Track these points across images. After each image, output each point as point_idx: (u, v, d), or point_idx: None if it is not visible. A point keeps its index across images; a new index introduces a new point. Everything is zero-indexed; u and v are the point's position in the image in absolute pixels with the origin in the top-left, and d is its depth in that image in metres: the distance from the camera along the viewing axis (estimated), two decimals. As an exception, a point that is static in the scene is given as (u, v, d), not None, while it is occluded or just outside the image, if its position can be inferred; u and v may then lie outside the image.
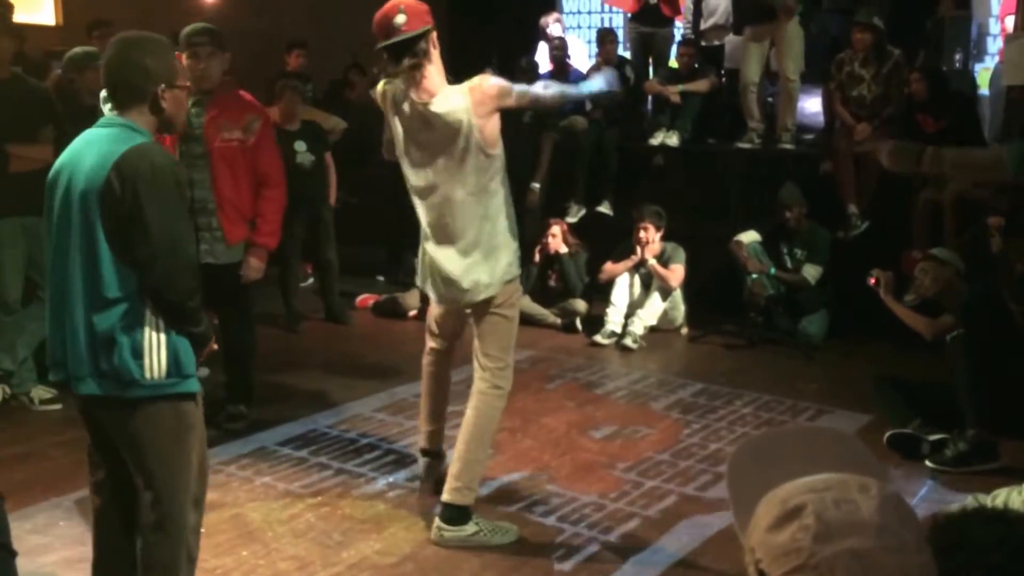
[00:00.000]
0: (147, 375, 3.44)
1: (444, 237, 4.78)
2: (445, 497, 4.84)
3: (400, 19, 4.49)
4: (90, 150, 3.44)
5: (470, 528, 4.83)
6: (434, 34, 4.60)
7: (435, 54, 4.61)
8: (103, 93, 3.99)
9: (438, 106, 4.59)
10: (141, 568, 3.67)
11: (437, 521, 4.85)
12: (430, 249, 4.85)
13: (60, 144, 4.87)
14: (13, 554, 4.06)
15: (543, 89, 4.99)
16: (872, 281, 6.31)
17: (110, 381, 3.45)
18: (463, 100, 4.59)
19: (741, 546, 1.43)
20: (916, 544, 1.34)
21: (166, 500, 3.60)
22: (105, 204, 3.36)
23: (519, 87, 4.79)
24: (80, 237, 3.42)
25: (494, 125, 4.67)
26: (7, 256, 6.45)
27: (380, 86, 4.80)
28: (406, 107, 4.69)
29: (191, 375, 3.57)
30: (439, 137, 4.63)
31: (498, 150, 4.71)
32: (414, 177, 4.82)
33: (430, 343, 5.26)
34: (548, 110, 5.07)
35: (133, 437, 3.57)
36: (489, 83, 4.65)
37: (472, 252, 4.75)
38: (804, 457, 1.47)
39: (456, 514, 4.83)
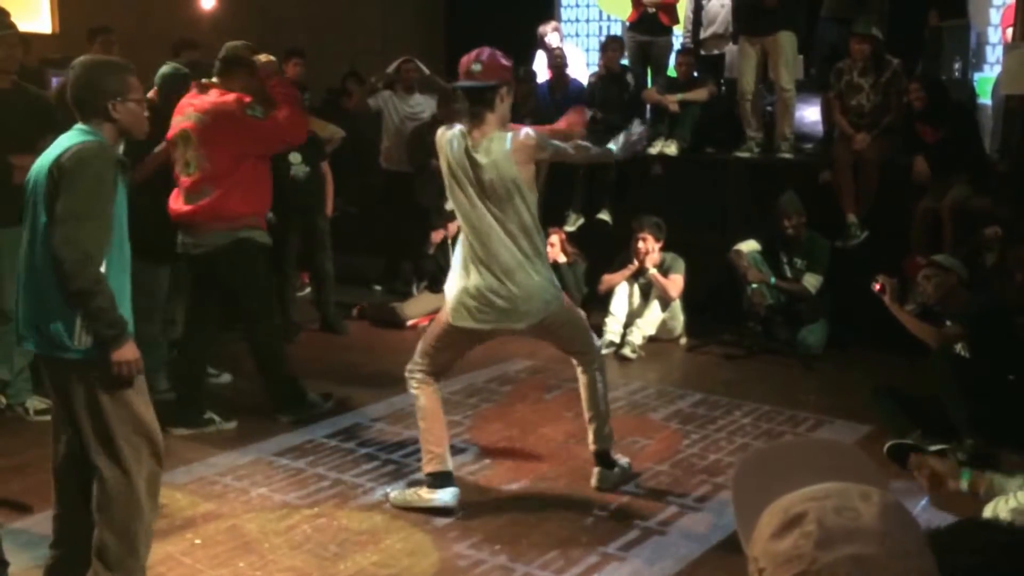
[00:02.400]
0: (76, 343, 3.94)
1: (495, 266, 5.14)
2: (599, 448, 5.61)
3: (476, 67, 5.01)
4: (51, 151, 4.01)
5: (619, 467, 5.67)
6: (504, 89, 5.07)
7: (501, 106, 5.10)
8: None
9: (482, 154, 5.05)
10: (96, 513, 4.08)
11: (600, 469, 5.60)
12: (482, 278, 5.16)
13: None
14: (5, 564, 4.06)
15: (574, 149, 5.41)
16: (877, 287, 6.28)
17: (47, 343, 3.99)
18: (505, 146, 5.03)
19: (740, 557, 1.43)
20: (918, 550, 1.35)
21: (105, 451, 4.03)
22: (48, 191, 3.91)
23: (554, 143, 5.24)
24: (33, 222, 4.00)
25: (530, 171, 5.13)
26: (8, 265, 6.40)
27: (440, 130, 5.26)
28: (458, 145, 5.12)
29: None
30: (483, 178, 5.06)
31: (534, 194, 5.19)
32: (461, 211, 5.21)
33: (428, 369, 5.46)
34: (602, 158, 5.59)
35: (68, 395, 4.05)
36: (528, 134, 5.10)
37: (528, 270, 5.16)
38: (806, 468, 1.49)
39: (609, 459, 5.64)
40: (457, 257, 5.31)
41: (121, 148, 6.59)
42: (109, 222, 3.95)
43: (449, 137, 5.17)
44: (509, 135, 5.07)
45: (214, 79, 6.42)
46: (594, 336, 5.69)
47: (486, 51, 5.09)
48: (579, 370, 5.59)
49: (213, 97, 6.28)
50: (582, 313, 5.74)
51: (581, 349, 5.55)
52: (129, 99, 4.09)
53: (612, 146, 5.74)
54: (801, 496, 1.38)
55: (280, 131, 6.41)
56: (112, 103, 4.03)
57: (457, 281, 5.26)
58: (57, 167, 3.89)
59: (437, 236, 9.39)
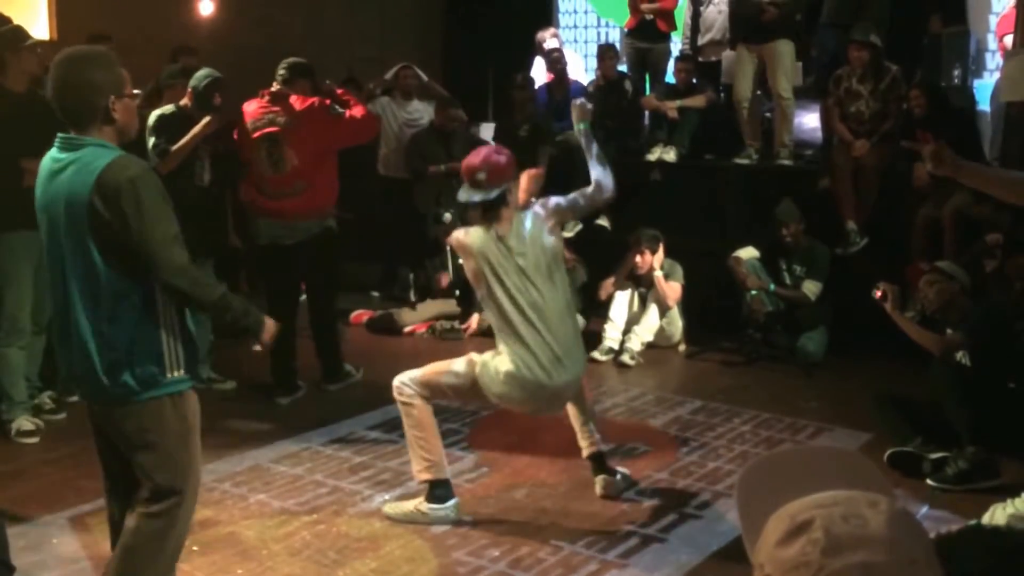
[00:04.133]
0: (168, 374, 3.60)
1: (552, 348, 5.10)
2: (598, 449, 5.60)
3: (481, 176, 5.11)
4: (68, 173, 3.51)
5: (620, 474, 5.66)
6: (512, 184, 5.24)
7: (512, 197, 5.24)
8: None
9: (515, 239, 5.14)
10: (121, 550, 3.75)
11: (605, 476, 5.57)
12: (545, 370, 5.08)
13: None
14: (11, 569, 4.03)
15: (579, 198, 5.38)
16: (878, 294, 6.26)
17: (126, 388, 3.56)
18: (535, 222, 5.20)
19: (740, 564, 1.42)
20: (925, 558, 1.34)
21: (165, 493, 3.68)
22: (94, 225, 3.45)
23: (559, 201, 5.33)
24: (77, 259, 3.52)
25: (561, 242, 5.35)
26: (25, 270, 6.37)
27: (459, 236, 5.30)
28: (489, 242, 5.16)
29: (194, 373, 3.77)
30: (526, 261, 5.13)
31: (565, 268, 5.39)
32: (501, 308, 5.15)
33: (423, 395, 5.33)
34: (605, 196, 5.54)
35: (140, 435, 3.65)
36: (545, 203, 5.30)
37: (575, 351, 5.25)
38: (812, 476, 1.48)
39: (608, 464, 5.65)
40: (505, 345, 5.15)
41: (152, 142, 6.75)
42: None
43: (475, 239, 5.19)
44: (530, 213, 5.22)
45: (279, 86, 7.13)
46: None
47: (485, 155, 5.21)
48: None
49: (297, 103, 7.05)
50: None
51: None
52: (126, 94, 3.61)
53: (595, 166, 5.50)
54: (808, 503, 1.38)
55: (358, 125, 7.28)
56: (111, 102, 3.53)
57: (504, 364, 5.11)
58: (103, 199, 3.42)
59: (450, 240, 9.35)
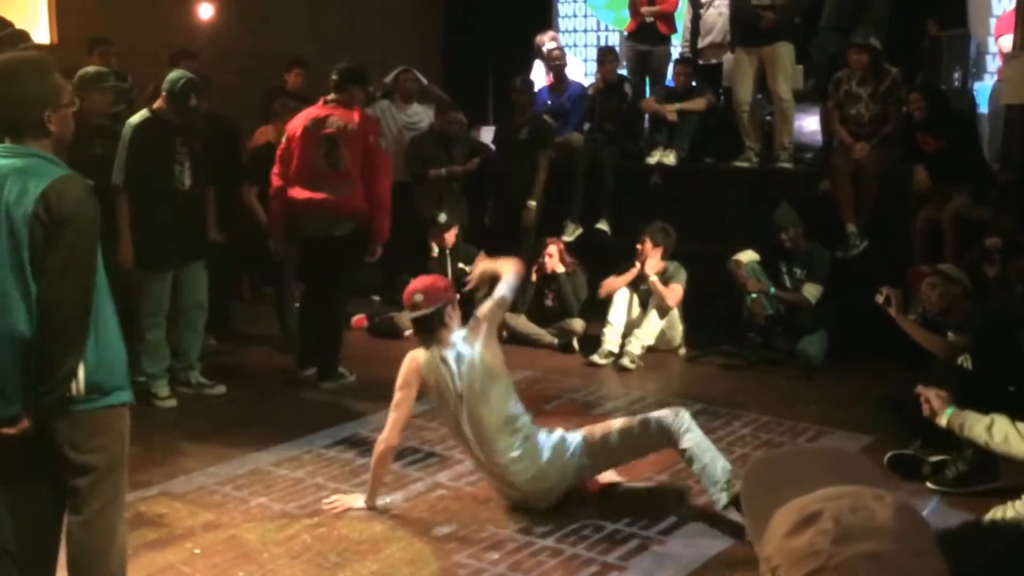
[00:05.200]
0: (72, 392, 3.46)
1: (492, 468, 5.43)
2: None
3: (419, 298, 5.45)
4: (10, 180, 3.38)
5: None
6: (449, 307, 5.48)
7: (452, 319, 5.49)
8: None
9: (453, 360, 5.36)
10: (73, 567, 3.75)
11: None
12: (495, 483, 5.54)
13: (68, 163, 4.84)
14: (15, 560, 4.01)
15: (502, 294, 5.67)
16: (881, 298, 6.26)
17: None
18: (466, 340, 5.42)
19: (741, 567, 1.44)
20: (930, 549, 1.37)
21: (94, 500, 3.65)
22: (33, 235, 3.35)
23: (488, 305, 5.60)
24: (11, 271, 3.41)
25: (495, 348, 5.53)
26: None
27: (414, 361, 5.47)
28: (435, 364, 5.39)
29: (116, 388, 3.62)
30: (461, 382, 5.34)
31: (505, 377, 5.53)
32: (459, 425, 5.41)
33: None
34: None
35: (68, 447, 3.58)
36: (475, 317, 5.55)
37: (513, 469, 5.38)
38: (815, 474, 1.50)
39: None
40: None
41: (124, 157, 6.69)
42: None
43: (424, 363, 5.41)
44: (461, 336, 5.44)
45: (335, 94, 7.60)
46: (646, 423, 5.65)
47: (421, 282, 5.56)
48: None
49: (357, 114, 7.62)
50: (613, 425, 5.71)
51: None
52: (62, 105, 3.48)
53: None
54: (816, 496, 1.40)
55: (387, 171, 7.87)
56: (48, 114, 3.42)
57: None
58: (47, 209, 3.33)
59: (442, 241, 9.33)
